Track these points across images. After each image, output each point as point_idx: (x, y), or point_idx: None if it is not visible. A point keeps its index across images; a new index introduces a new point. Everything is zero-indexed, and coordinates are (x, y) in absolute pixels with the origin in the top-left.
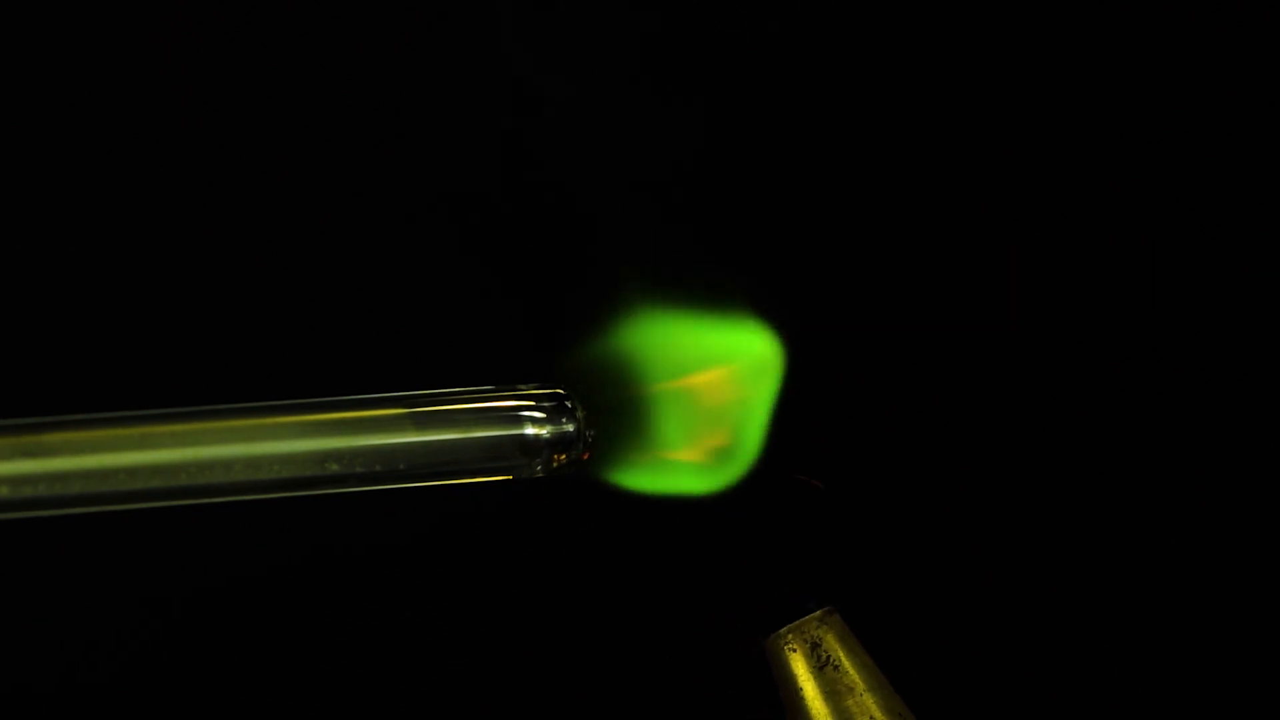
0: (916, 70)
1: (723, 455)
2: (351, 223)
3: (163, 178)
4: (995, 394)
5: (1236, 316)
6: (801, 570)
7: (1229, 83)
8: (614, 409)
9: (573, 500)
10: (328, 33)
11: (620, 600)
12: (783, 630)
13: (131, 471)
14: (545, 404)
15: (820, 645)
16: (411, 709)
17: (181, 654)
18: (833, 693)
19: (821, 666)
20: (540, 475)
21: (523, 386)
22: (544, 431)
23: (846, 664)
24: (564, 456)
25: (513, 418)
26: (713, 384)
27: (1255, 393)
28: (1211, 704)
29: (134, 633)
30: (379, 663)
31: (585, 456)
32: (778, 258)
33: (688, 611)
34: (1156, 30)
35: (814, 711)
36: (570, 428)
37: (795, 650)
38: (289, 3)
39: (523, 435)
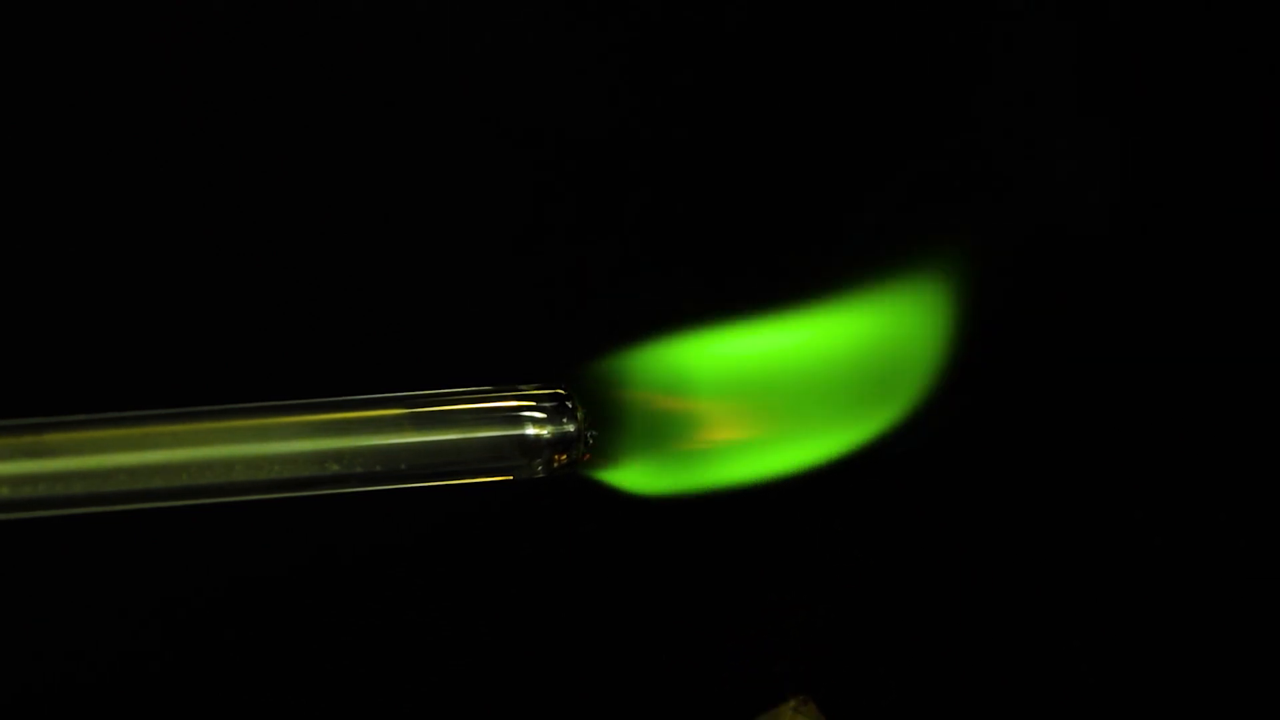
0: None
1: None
2: (352, 222)
3: (163, 177)
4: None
5: (1237, 316)
6: (779, 656)
7: (1230, 82)
8: (615, 409)
9: (573, 501)
10: (328, 31)
11: (619, 601)
12: (757, 719)
13: (132, 471)
14: (546, 404)
15: None
16: (414, 709)
17: (182, 655)
18: None
19: None
20: (541, 475)
21: (523, 386)
22: (544, 432)
23: None
24: (564, 457)
25: (513, 418)
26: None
27: (1254, 392)
28: None
29: (134, 633)
30: (381, 663)
31: (586, 457)
32: (778, 261)
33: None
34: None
35: None
36: (571, 428)
37: None
38: (290, 2)
39: (523, 435)
